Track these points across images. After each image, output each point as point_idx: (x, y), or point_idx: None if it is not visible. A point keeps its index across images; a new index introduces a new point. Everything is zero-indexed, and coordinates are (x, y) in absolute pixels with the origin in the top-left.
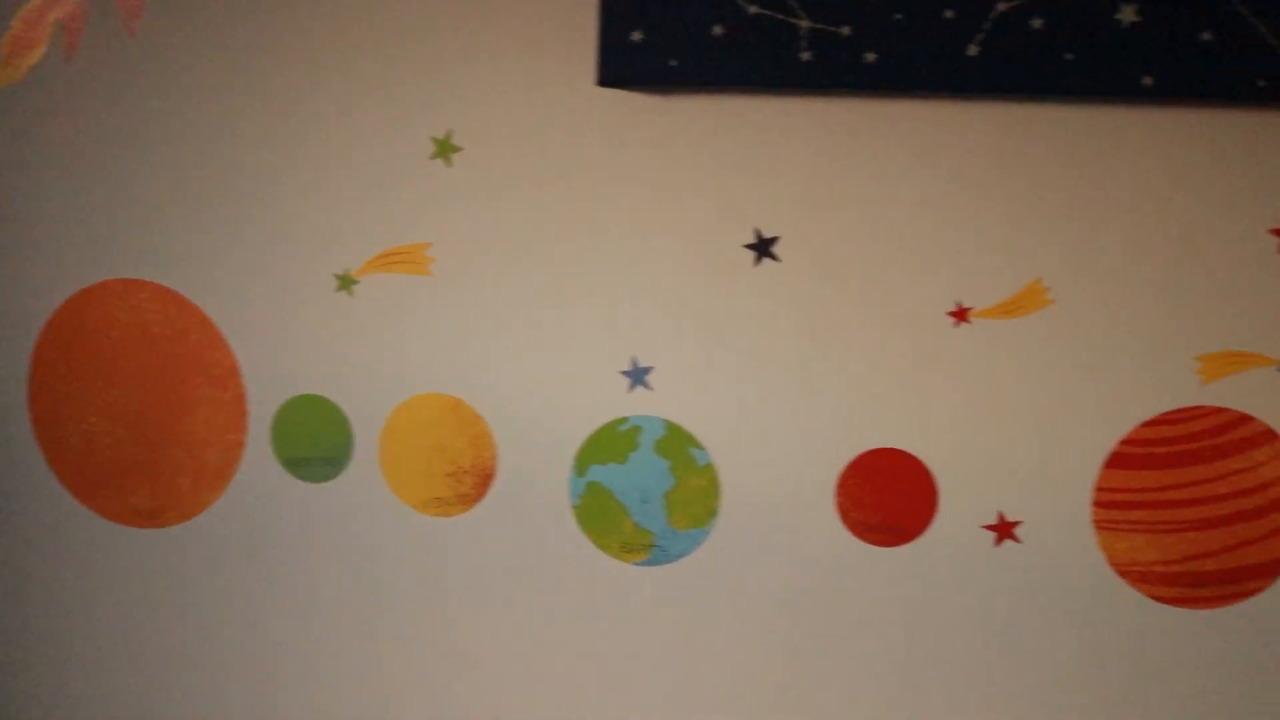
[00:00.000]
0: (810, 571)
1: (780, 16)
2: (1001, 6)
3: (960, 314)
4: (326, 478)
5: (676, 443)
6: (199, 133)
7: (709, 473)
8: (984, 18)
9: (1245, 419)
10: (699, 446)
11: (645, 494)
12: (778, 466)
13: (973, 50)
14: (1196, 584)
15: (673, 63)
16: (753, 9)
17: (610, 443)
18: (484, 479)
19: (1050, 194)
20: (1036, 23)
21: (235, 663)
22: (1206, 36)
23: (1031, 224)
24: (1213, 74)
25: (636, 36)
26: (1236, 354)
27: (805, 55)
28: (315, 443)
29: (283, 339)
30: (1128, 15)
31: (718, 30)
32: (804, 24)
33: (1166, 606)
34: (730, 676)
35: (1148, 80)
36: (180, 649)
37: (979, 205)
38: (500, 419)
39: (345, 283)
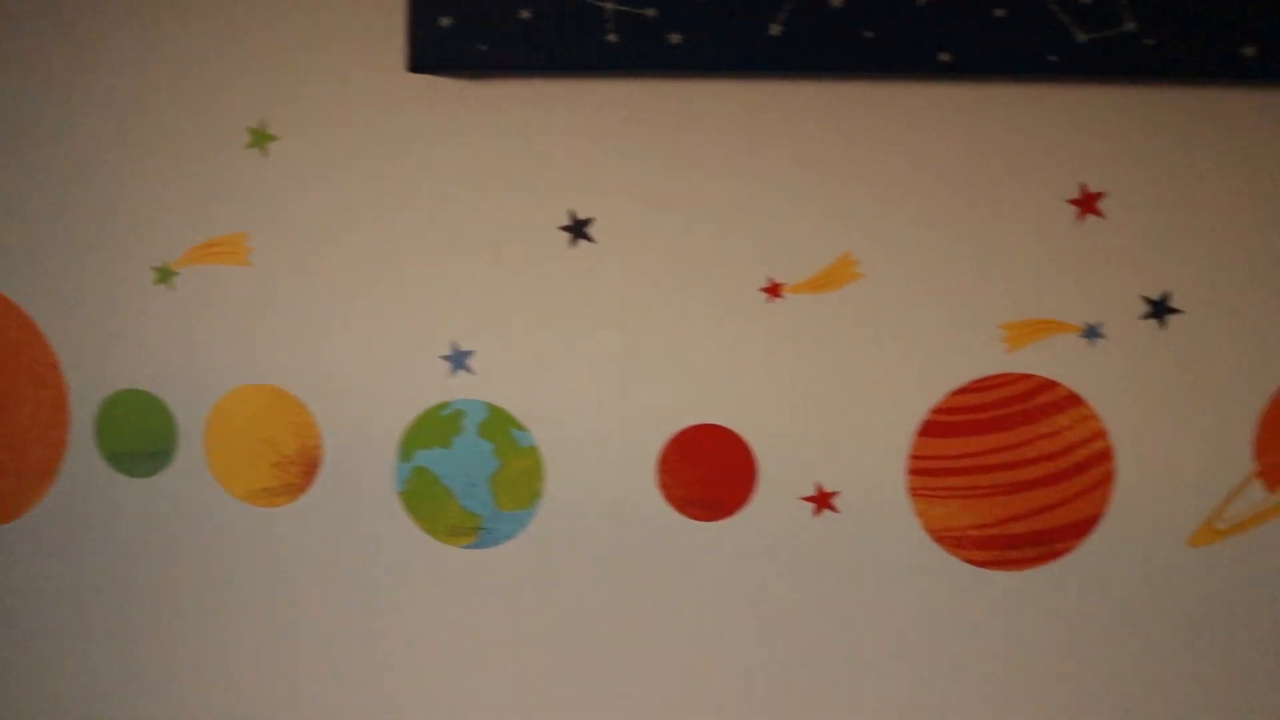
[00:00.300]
0: (635, 547)
1: None
2: None
3: (773, 289)
4: (152, 472)
5: (499, 425)
6: (9, 126)
7: (532, 454)
8: None
9: (1050, 384)
10: (521, 428)
11: (470, 477)
12: (599, 445)
13: (775, 30)
14: (1009, 546)
15: (482, 47)
16: None
17: (434, 427)
18: (310, 468)
19: (856, 169)
20: (837, 2)
21: (65, 662)
22: (999, 13)
23: (840, 199)
24: (1007, 49)
25: (445, 21)
26: (1039, 321)
27: (611, 37)
28: (139, 438)
29: (103, 333)
30: None
31: (525, 14)
32: (610, 6)
33: (981, 570)
34: (560, 655)
35: (945, 56)
36: (7, 652)
37: (787, 182)
38: (324, 407)
39: (164, 275)
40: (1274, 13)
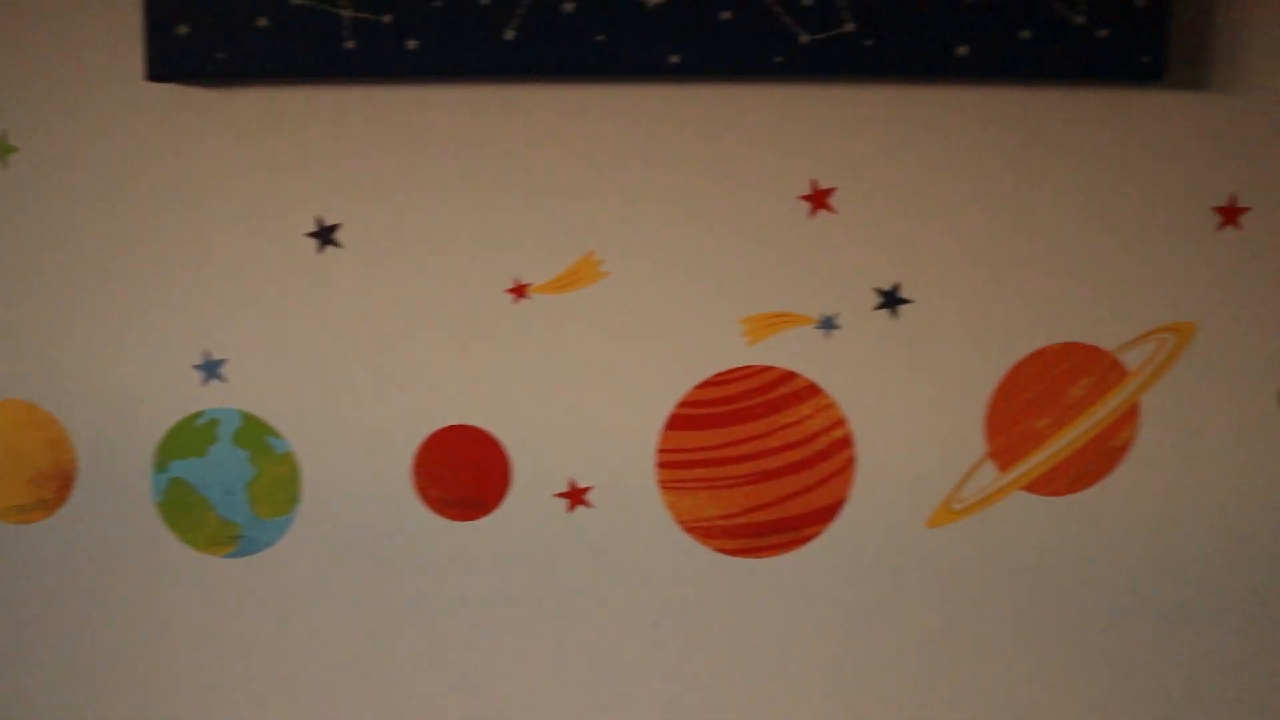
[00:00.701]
0: (394, 549)
1: (323, 6)
2: None
3: (519, 290)
4: None
5: (254, 433)
6: None
7: (289, 460)
8: (519, 3)
9: (790, 376)
10: (277, 435)
11: (227, 486)
12: (355, 449)
13: (510, 35)
14: (757, 534)
15: (220, 55)
16: (296, 0)
17: (188, 437)
18: (65, 483)
19: (597, 170)
20: (568, 6)
21: None
22: (726, 15)
23: (581, 200)
24: (734, 51)
25: (183, 30)
26: (777, 315)
27: (349, 44)
28: None
29: None
30: None
31: (262, 22)
32: (347, 13)
33: (732, 558)
34: (325, 658)
35: (675, 59)
36: None
37: (529, 184)
38: (76, 421)
39: None
40: (985, 15)
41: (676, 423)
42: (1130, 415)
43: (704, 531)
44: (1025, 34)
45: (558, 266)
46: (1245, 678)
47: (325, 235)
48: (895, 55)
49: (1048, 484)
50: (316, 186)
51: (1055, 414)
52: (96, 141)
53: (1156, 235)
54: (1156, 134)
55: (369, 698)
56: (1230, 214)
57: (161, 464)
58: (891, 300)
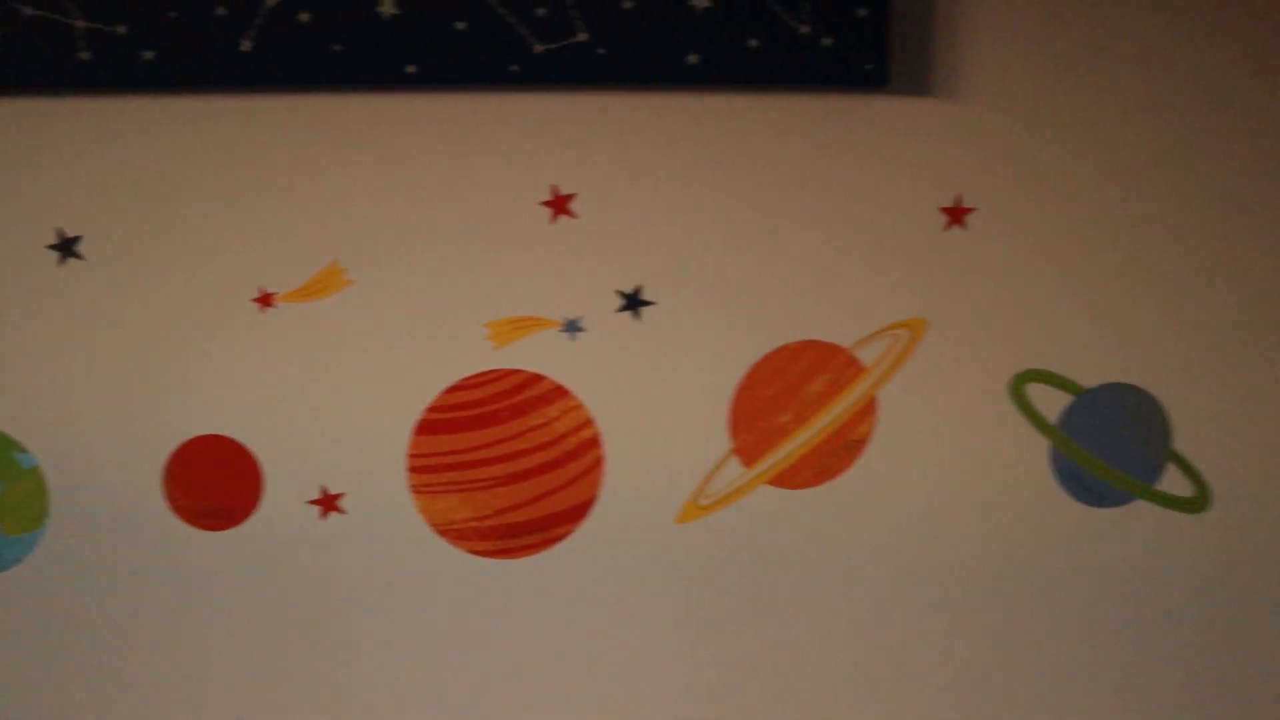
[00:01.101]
0: (146, 561)
1: (55, 17)
2: (270, 3)
3: (265, 299)
4: None
5: None
6: None
7: (35, 475)
8: (255, 13)
9: (537, 378)
10: (22, 450)
11: None
12: (103, 462)
13: (246, 45)
14: (510, 535)
15: None
16: (27, 10)
17: None
18: None
19: (340, 180)
20: (304, 17)
21: None
22: (461, 26)
23: (325, 209)
24: (469, 61)
25: None
26: (522, 319)
27: (84, 55)
28: None
29: None
30: (388, 7)
31: None
32: (80, 24)
33: (486, 559)
34: (80, 675)
35: (411, 69)
36: None
37: (273, 194)
38: None
39: None
40: (714, 24)
41: (425, 427)
42: (868, 409)
43: (457, 534)
44: (753, 43)
45: (303, 275)
46: (996, 657)
47: (66, 247)
48: (628, 63)
49: (792, 478)
50: (56, 199)
51: (796, 410)
52: None
53: (887, 236)
54: (882, 138)
55: (124, 712)
56: (956, 214)
57: None
58: (634, 302)
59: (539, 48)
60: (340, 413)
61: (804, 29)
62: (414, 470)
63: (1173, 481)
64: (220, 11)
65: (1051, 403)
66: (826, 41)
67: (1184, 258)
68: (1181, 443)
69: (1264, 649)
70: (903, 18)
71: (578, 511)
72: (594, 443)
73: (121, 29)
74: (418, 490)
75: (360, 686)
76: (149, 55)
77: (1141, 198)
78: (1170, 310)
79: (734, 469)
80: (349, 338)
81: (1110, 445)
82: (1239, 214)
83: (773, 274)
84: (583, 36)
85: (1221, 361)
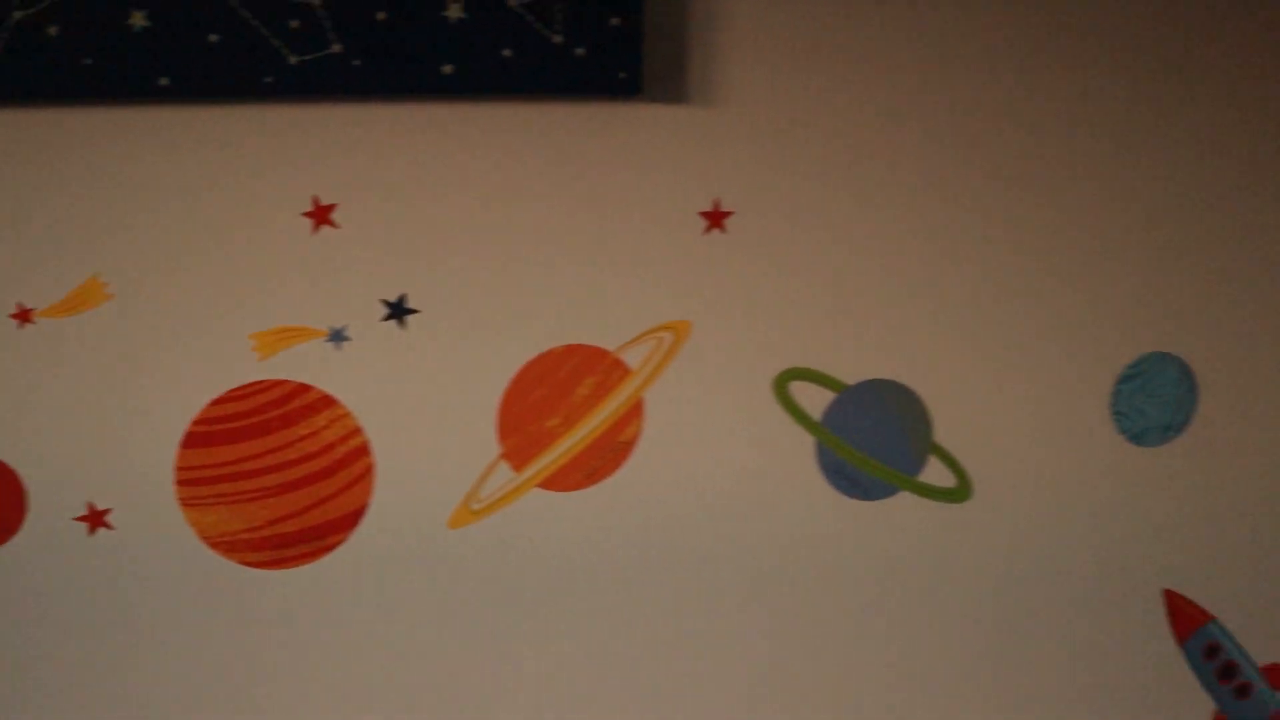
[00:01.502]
0: None
1: None
2: (18, 16)
3: (24, 315)
4: None
5: None
6: None
7: None
8: (2, 26)
9: (304, 388)
10: None
11: None
12: None
13: None
14: (282, 545)
15: None
16: None
17: None
18: None
19: (98, 193)
20: (53, 30)
21: None
22: (214, 38)
23: (85, 223)
24: (223, 73)
25: None
26: (287, 329)
27: None
28: None
29: None
30: (138, 20)
31: None
32: None
33: (258, 570)
34: None
35: (164, 81)
36: None
37: (31, 208)
38: None
39: None
40: (468, 35)
41: (192, 440)
42: (635, 411)
43: (228, 546)
44: (507, 53)
45: (62, 290)
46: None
47: None
48: (383, 74)
49: (563, 480)
50: None
51: (564, 413)
52: None
53: (648, 240)
54: (640, 144)
55: None
56: (715, 218)
57: None
58: (398, 310)
59: (293, 59)
60: (105, 428)
61: (557, 39)
62: (182, 483)
63: (935, 473)
64: None
65: (815, 400)
66: (580, 51)
67: (941, 256)
68: (942, 435)
69: (1026, 630)
70: (656, 26)
71: (350, 520)
72: (363, 451)
73: None
74: (187, 503)
75: (137, 702)
76: None
77: (894, 197)
78: (928, 307)
79: (504, 473)
80: (111, 352)
81: (873, 440)
82: (993, 213)
83: (536, 279)
84: (337, 48)
85: (978, 355)
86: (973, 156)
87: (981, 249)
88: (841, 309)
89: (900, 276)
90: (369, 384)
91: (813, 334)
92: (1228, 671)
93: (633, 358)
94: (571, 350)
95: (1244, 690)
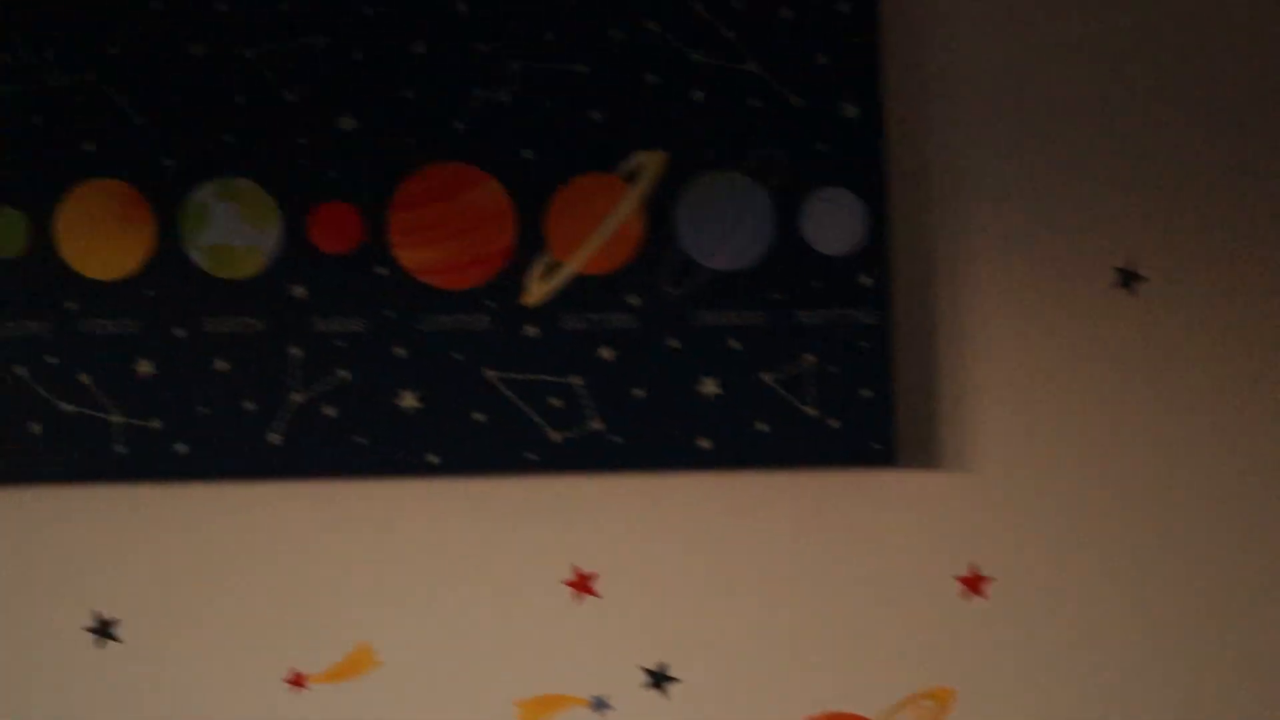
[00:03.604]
0: None
1: (93, 413)
2: (297, 399)
3: (297, 680)
4: None
5: None
6: None
7: None
8: (283, 408)
9: None
10: None
11: None
12: None
13: (275, 438)
14: None
15: None
16: (67, 407)
17: None
18: None
19: (368, 561)
20: (330, 411)
21: None
22: (479, 418)
23: (356, 591)
24: (488, 450)
25: None
26: (550, 697)
27: (119, 448)
28: None
29: None
30: (409, 401)
31: (35, 428)
32: (117, 420)
33: None
34: None
35: (433, 459)
36: None
37: (303, 577)
38: None
39: None
40: (724, 410)
41: None
42: None
43: None
44: (762, 426)
45: (334, 656)
46: None
47: (103, 630)
48: (641, 450)
49: None
50: (93, 582)
51: None
52: None
53: (907, 606)
54: (894, 511)
55: None
56: (973, 583)
57: None
58: (660, 679)
59: (555, 436)
60: None
61: (811, 411)
62: None
63: None
64: (249, 406)
65: None
66: (833, 423)
67: (1226, 603)
68: None
69: None
70: (906, 395)
71: None
72: None
73: (156, 424)
74: None
75: None
76: (182, 449)
77: (1152, 558)
78: (1209, 664)
79: None
80: (378, 717)
81: None
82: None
83: (795, 646)
84: (597, 425)
85: None
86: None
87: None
88: (1109, 675)
89: (1167, 637)
90: None
91: (1082, 699)
92: None
93: None
94: (832, 718)
95: None
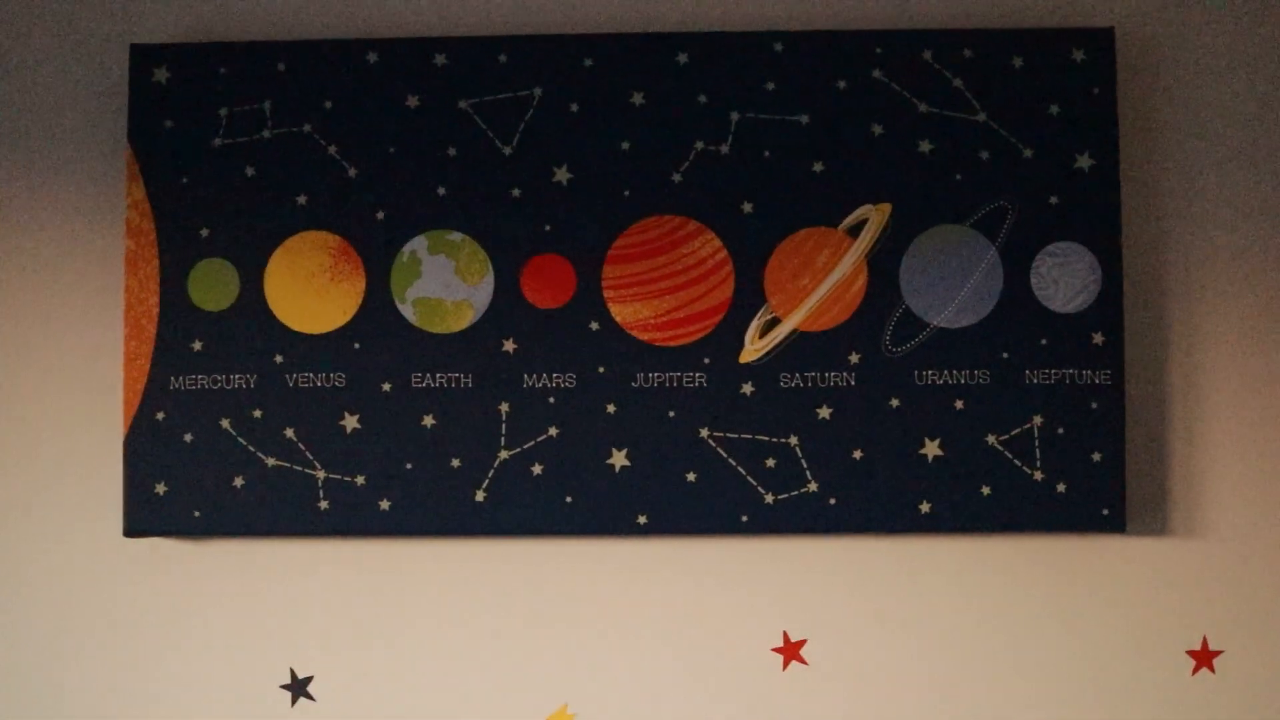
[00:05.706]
0: None
1: (298, 468)
2: (504, 455)
3: None
4: None
5: None
6: None
7: None
8: (489, 465)
9: None
10: None
11: None
12: None
13: (480, 496)
14: None
15: (196, 514)
16: (272, 461)
17: None
18: None
19: (571, 621)
20: (537, 469)
21: None
22: (691, 478)
23: (558, 650)
24: (700, 511)
25: (160, 489)
26: None
27: (323, 504)
28: None
29: None
30: (619, 459)
31: (239, 481)
32: (321, 475)
33: None
34: None
35: (642, 519)
36: None
37: (502, 635)
38: None
39: None
40: (945, 473)
41: None
42: None
43: None
44: (985, 490)
45: (535, 716)
46: None
47: (299, 688)
48: (858, 513)
49: None
50: (290, 638)
51: None
52: (74, 596)
53: (1135, 678)
54: (1122, 580)
55: None
56: (1204, 657)
57: None
58: None
59: (769, 498)
60: None
61: (1038, 475)
62: None
63: None
64: (455, 463)
65: None
66: (1060, 488)
67: None
68: None
69: None
70: (1136, 459)
71: None
72: None
73: (360, 480)
74: None
75: None
76: (386, 505)
77: None
78: None
79: None
80: None
81: None
82: None
83: (1019, 715)
84: (813, 487)
85: None
86: None
87: None
88: None
89: None
90: None
91: None
92: None
93: None
94: None
95: None
